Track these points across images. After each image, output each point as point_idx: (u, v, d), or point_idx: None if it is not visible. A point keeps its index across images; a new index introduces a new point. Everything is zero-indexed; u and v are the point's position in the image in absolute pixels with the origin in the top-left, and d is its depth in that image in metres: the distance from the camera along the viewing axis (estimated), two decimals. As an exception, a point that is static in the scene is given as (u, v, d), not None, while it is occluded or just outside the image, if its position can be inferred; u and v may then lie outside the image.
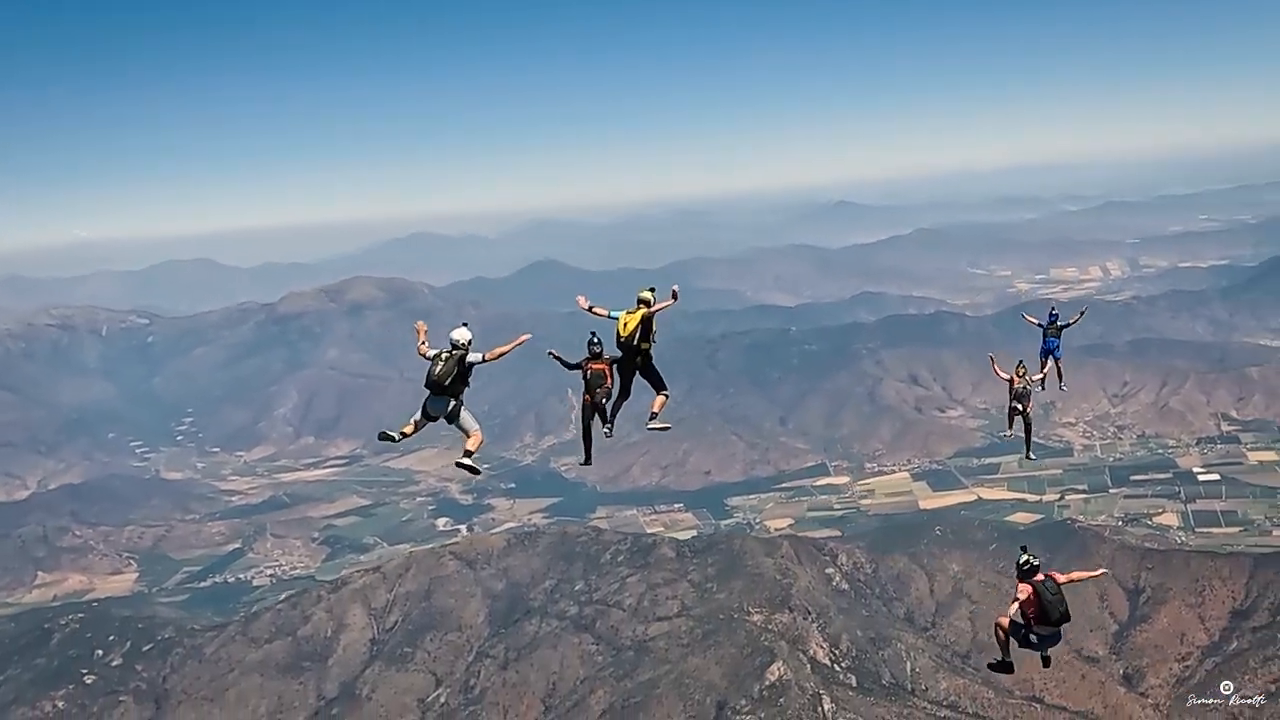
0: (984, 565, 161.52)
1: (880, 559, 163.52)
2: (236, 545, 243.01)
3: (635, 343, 24.61)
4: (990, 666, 24.54)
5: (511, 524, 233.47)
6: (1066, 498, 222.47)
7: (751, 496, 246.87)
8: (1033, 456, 43.58)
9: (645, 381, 25.82)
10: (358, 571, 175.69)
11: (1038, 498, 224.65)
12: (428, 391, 22.78)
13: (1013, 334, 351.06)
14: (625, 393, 25.98)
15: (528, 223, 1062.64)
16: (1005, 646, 23.38)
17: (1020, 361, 37.57)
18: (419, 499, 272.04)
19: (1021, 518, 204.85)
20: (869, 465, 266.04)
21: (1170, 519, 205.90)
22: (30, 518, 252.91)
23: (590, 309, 25.43)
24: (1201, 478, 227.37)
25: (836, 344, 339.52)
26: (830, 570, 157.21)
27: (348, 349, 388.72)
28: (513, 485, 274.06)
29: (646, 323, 24.58)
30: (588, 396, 25.77)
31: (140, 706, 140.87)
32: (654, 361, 25.46)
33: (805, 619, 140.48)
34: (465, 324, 23.43)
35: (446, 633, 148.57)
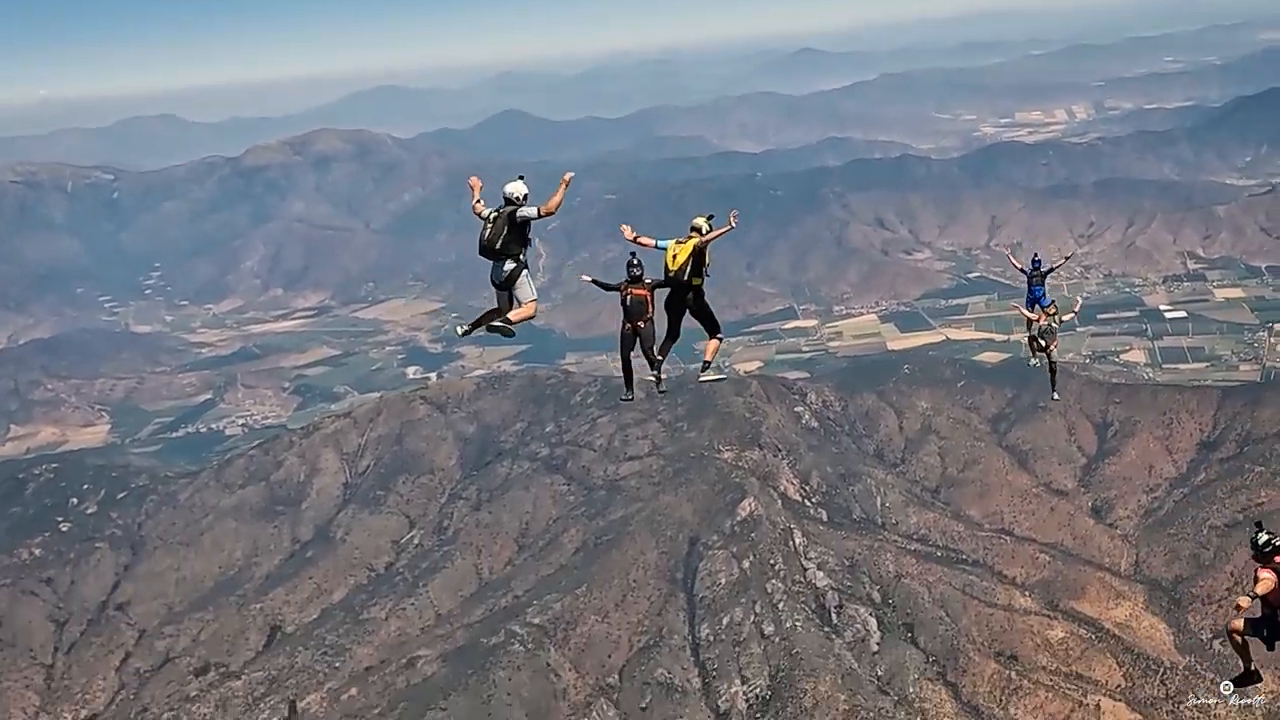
0: (952, 402, 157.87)
1: (849, 397, 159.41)
2: (207, 396, 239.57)
3: (686, 277, 21.22)
4: (1235, 682, 18.02)
5: (481, 371, 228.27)
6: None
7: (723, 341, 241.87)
8: (1056, 397, 38.53)
9: (696, 322, 22.27)
10: (329, 417, 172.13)
11: (1005, 337, 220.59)
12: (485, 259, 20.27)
13: (978, 177, 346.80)
14: (675, 333, 22.89)
15: (493, 75, 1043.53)
16: (1246, 652, 17.28)
17: (1052, 300, 34.19)
18: (388, 348, 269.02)
19: (989, 357, 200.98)
20: (837, 308, 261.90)
21: (1138, 356, 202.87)
22: (1, 372, 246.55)
23: (635, 239, 21.68)
24: (1168, 315, 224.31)
25: (803, 189, 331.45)
26: (800, 409, 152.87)
27: (314, 201, 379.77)
28: (482, 332, 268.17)
29: (699, 254, 21.07)
30: (627, 325, 22.55)
31: (116, 553, 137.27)
32: (706, 298, 22.01)
33: (775, 456, 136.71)
34: (521, 177, 20.63)
35: (419, 476, 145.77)
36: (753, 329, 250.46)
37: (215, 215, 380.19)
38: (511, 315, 20.71)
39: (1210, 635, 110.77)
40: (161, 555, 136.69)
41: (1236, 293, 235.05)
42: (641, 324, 22.07)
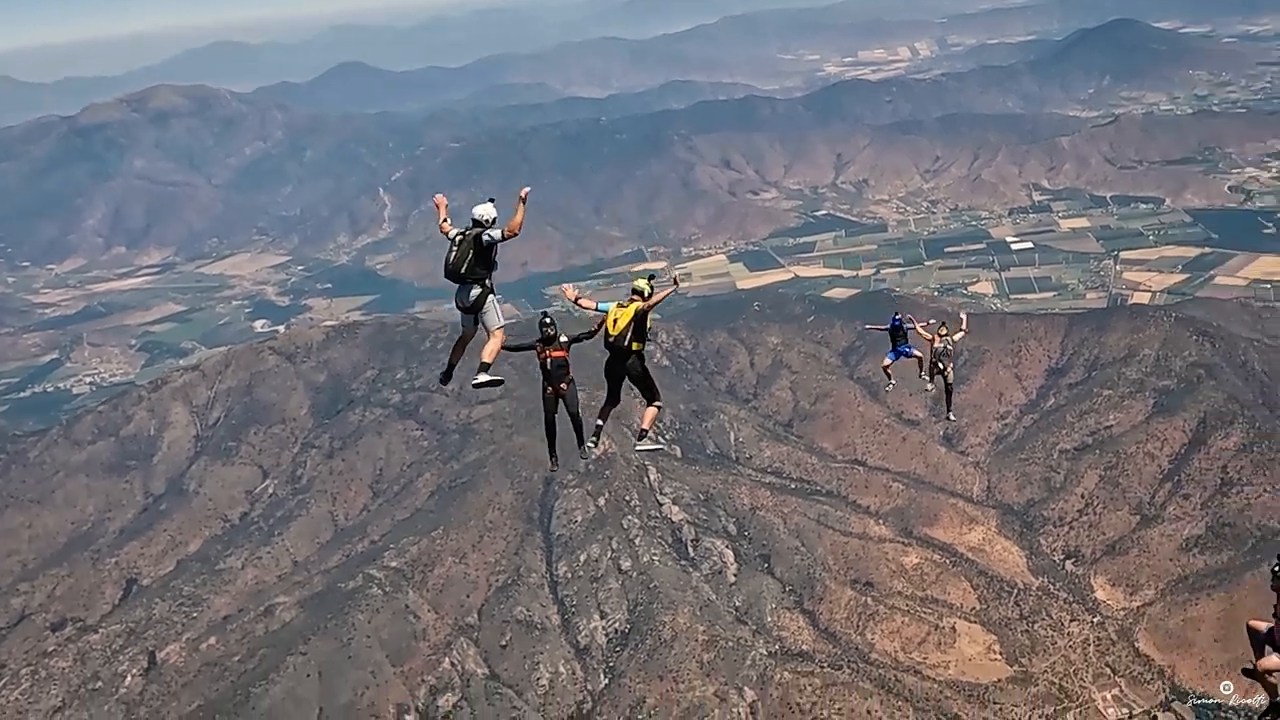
0: (803, 337, 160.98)
1: (700, 335, 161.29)
2: (53, 356, 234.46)
3: (627, 343, 20.41)
4: (1265, 714, 17.31)
5: (330, 322, 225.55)
6: (882, 272, 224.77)
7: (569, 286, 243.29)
8: (952, 417, 39.22)
9: (635, 388, 21.59)
10: (177, 371, 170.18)
11: (854, 273, 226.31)
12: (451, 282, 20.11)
13: (823, 116, 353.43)
14: (615, 399, 21.99)
15: (330, 28, 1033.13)
16: (1272, 685, 16.82)
17: (942, 322, 35.65)
18: (235, 303, 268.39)
19: (838, 293, 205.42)
20: (685, 249, 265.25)
21: (985, 287, 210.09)
22: None
23: (576, 300, 21.55)
24: (1015, 246, 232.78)
25: (648, 132, 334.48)
26: (650, 347, 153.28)
27: (154, 158, 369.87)
28: (329, 285, 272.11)
29: (640, 319, 20.40)
30: (549, 389, 21.62)
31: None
32: (647, 364, 21.20)
33: (626, 394, 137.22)
34: (491, 200, 20.16)
35: (270, 426, 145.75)
36: (601, 273, 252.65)
37: (54, 175, 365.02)
38: (484, 355, 20.40)
39: (1062, 556, 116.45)
40: (13, 513, 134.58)
41: (1082, 223, 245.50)
42: (564, 386, 21.52)
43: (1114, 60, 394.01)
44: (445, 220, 20.48)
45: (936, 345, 33.58)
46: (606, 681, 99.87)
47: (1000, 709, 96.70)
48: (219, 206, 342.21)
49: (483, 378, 20.55)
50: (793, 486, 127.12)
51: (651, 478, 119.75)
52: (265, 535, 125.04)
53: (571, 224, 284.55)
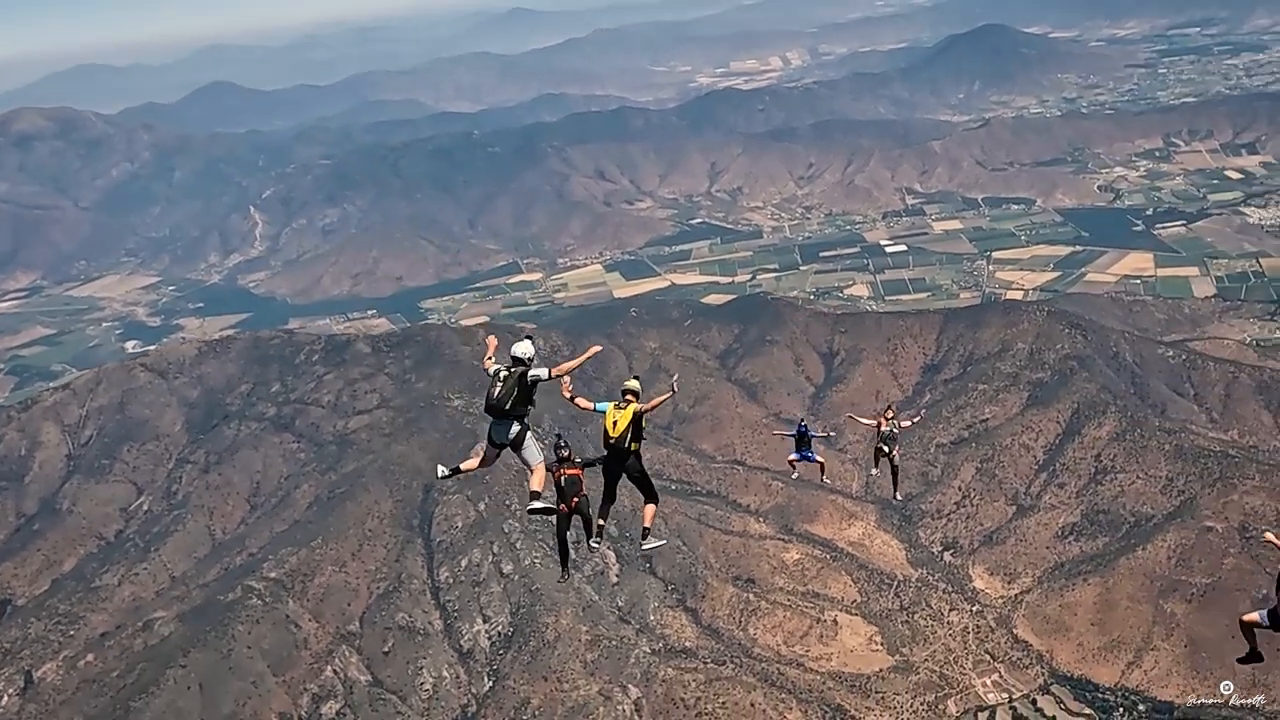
0: (681, 340, 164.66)
1: (578, 340, 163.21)
2: None
3: (627, 444, 21.94)
4: (1241, 660, 20.20)
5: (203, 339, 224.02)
6: (758, 277, 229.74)
7: (445, 298, 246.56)
8: (899, 498, 42.05)
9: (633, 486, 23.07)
10: (47, 391, 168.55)
11: (730, 279, 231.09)
12: (490, 416, 21.00)
13: (697, 125, 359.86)
14: (611, 497, 23.33)
15: (197, 49, 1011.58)
16: (1252, 635, 19.62)
17: (889, 405, 37.34)
18: (105, 324, 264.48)
19: (715, 299, 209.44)
20: (561, 260, 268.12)
21: (861, 290, 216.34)
22: None
23: (572, 399, 22.62)
24: (889, 249, 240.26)
25: (521, 145, 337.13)
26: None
27: (18, 181, 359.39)
28: (201, 305, 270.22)
29: (637, 420, 21.93)
30: (563, 505, 22.87)
31: None
32: (643, 463, 22.70)
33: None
34: (529, 337, 21.39)
35: (144, 443, 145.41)
36: (477, 285, 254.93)
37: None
38: (534, 485, 21.57)
39: (941, 548, 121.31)
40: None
41: (955, 224, 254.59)
42: (577, 500, 23.01)
43: (984, 65, 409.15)
44: (490, 358, 21.21)
45: (884, 429, 35.84)
46: (490, 684, 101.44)
47: (882, 698, 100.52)
48: (86, 228, 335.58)
49: (538, 505, 21.78)
50: (673, 487, 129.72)
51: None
52: (142, 552, 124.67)
53: (446, 237, 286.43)
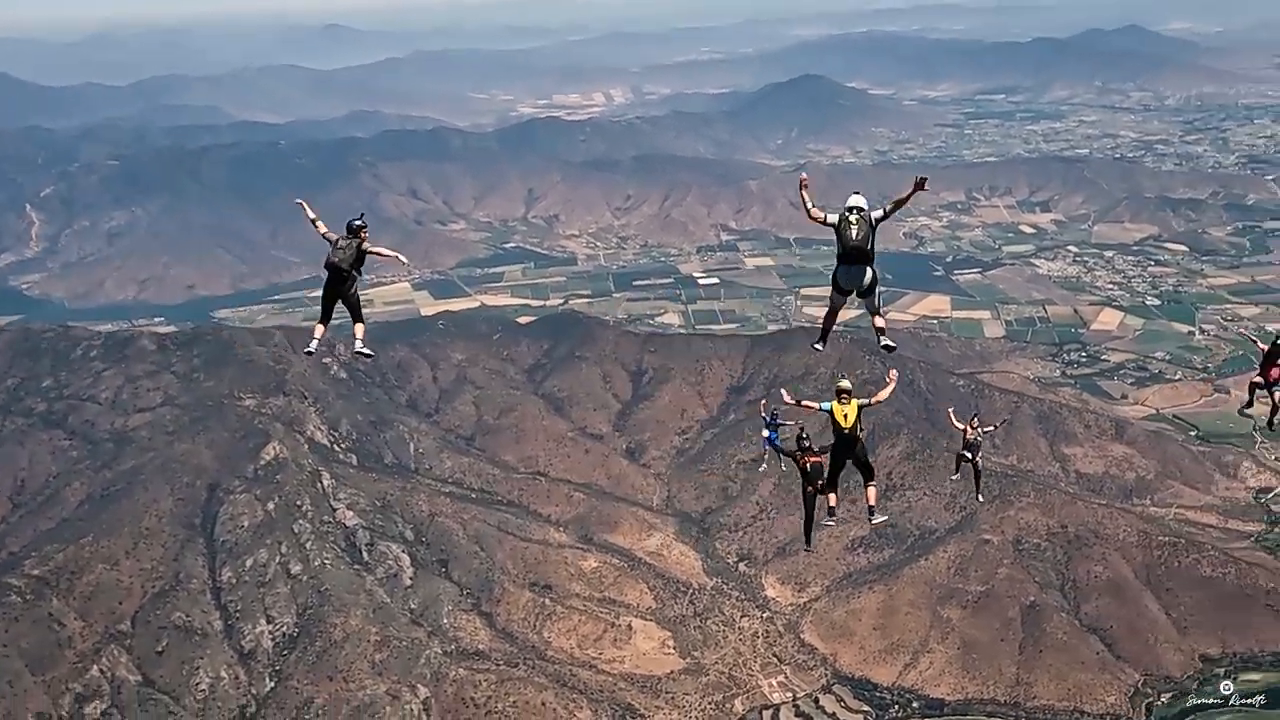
0: (489, 354, 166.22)
1: (381, 348, 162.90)
2: None
3: (858, 432, 24.84)
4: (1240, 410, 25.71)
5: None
6: (570, 302, 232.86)
7: (241, 309, 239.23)
8: (981, 499, 45.56)
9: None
10: None
11: (542, 303, 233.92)
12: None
13: (516, 151, 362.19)
14: (834, 484, 27.70)
15: None
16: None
17: (975, 414, 41.12)
18: None
19: (527, 320, 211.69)
20: (368, 276, 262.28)
21: (672, 319, 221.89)
22: None
23: (799, 402, 25.78)
24: (702, 281, 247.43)
25: (331, 159, 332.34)
26: (328, 360, 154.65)
27: None
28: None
29: (860, 412, 24.87)
30: (810, 488, 28.09)
31: None
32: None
33: (302, 403, 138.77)
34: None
35: None
36: (276, 298, 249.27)
37: None
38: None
39: (736, 559, 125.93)
40: None
41: (767, 261, 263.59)
42: (821, 482, 27.64)
43: (803, 114, 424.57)
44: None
45: (969, 436, 39.30)
46: (272, 685, 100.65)
47: (672, 698, 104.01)
48: None
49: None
50: (473, 496, 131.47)
51: (325, 483, 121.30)
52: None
53: (245, 247, 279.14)
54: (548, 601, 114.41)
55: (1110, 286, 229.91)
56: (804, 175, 22.03)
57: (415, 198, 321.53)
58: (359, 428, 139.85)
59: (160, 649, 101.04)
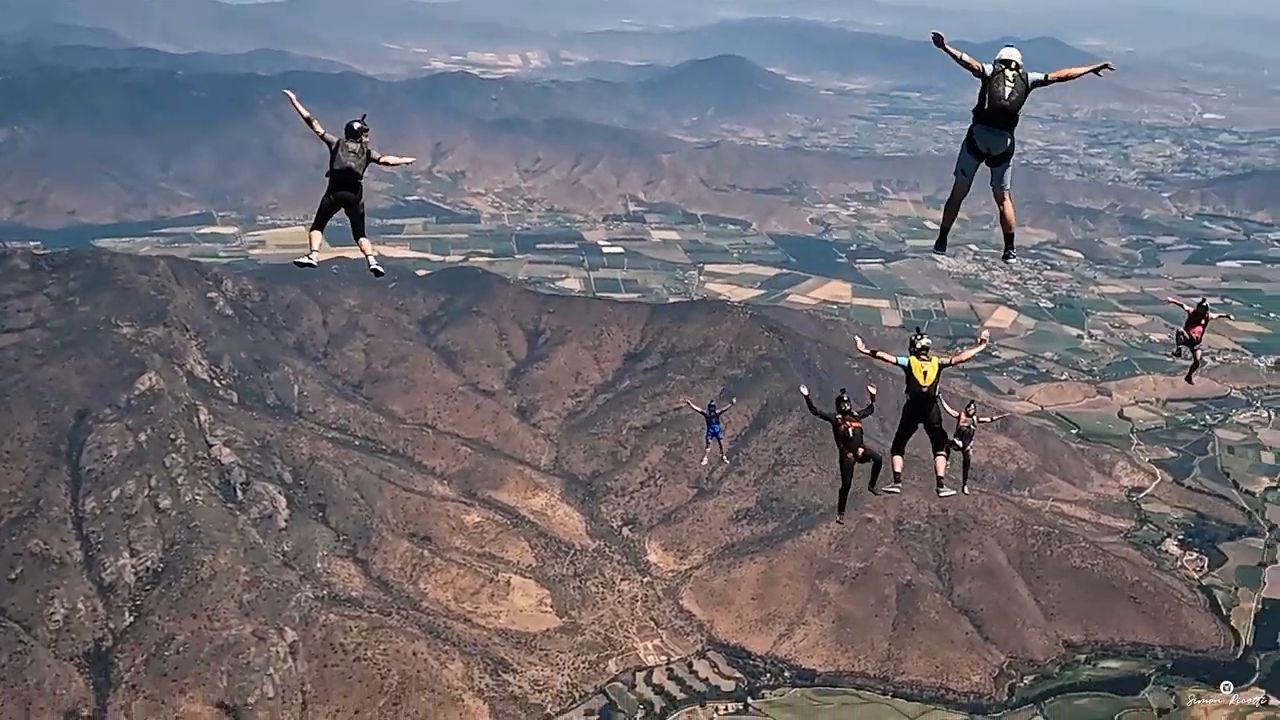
0: (382, 301, 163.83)
1: (271, 288, 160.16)
2: None
3: (935, 393, 22.83)
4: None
5: None
6: (471, 260, 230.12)
7: (124, 240, 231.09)
8: (966, 491, 44.14)
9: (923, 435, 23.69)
10: None
11: (441, 258, 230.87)
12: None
13: (425, 103, 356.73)
14: (901, 449, 24.24)
15: None
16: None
17: (971, 402, 38.95)
18: None
19: (424, 273, 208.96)
20: (262, 218, 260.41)
21: (573, 284, 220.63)
22: None
23: (873, 354, 24.28)
24: (606, 250, 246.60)
25: (232, 94, 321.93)
26: (214, 295, 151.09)
27: None
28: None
29: (939, 371, 22.69)
30: (850, 455, 24.58)
31: None
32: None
33: (183, 335, 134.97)
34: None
35: None
36: (163, 230, 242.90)
37: None
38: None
39: (621, 523, 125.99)
40: None
41: (673, 235, 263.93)
42: (862, 449, 24.41)
43: (720, 94, 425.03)
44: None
45: (963, 424, 37.72)
46: (132, 620, 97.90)
47: (546, 655, 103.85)
48: None
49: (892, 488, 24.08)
50: (357, 443, 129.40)
51: (202, 418, 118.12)
52: None
53: (132, 177, 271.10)
54: (426, 553, 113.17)
55: (1006, 286, 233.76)
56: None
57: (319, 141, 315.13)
58: (242, 366, 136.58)
59: (14, 576, 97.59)
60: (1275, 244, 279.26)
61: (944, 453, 24.45)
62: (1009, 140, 17.52)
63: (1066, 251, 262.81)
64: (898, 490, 25.90)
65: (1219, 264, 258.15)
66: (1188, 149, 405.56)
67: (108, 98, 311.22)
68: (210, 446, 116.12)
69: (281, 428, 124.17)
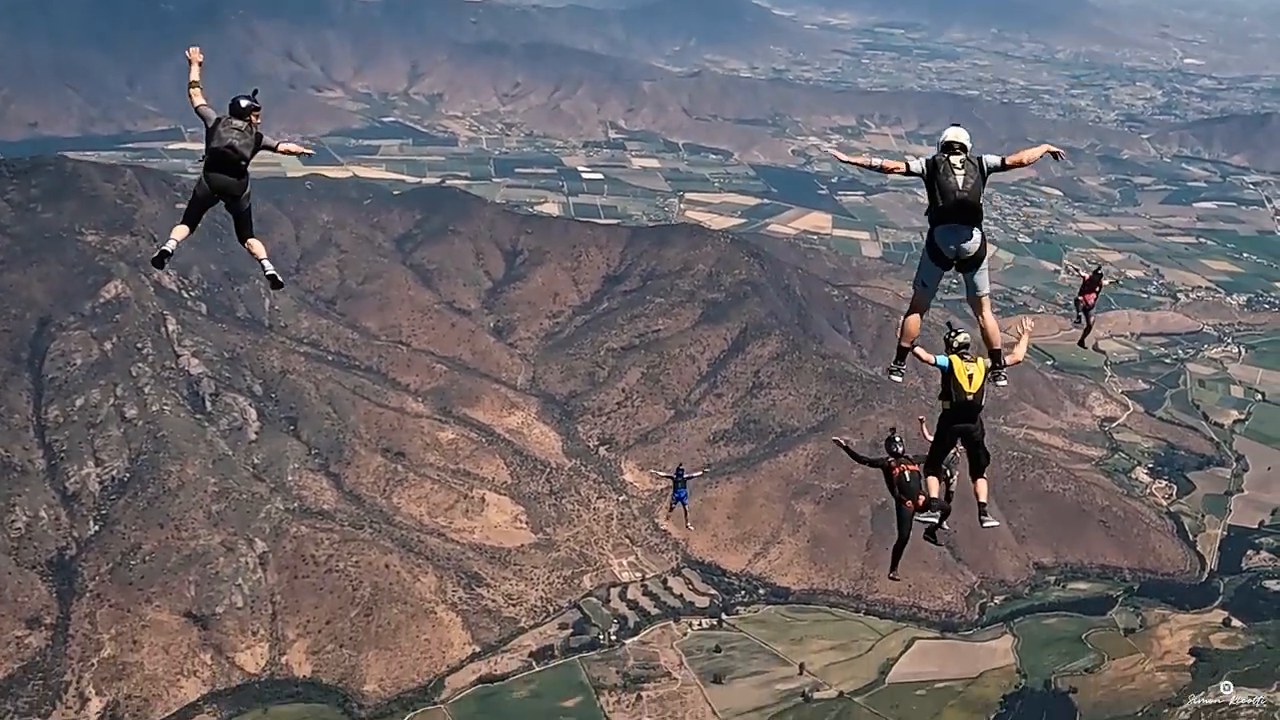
0: (357, 218, 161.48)
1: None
2: None
3: (982, 401, 17.77)
4: None
5: None
6: (448, 182, 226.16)
7: (89, 153, 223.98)
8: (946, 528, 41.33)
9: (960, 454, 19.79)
10: None
11: (418, 180, 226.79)
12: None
13: (402, 24, 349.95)
14: (938, 467, 20.22)
15: None
16: None
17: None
18: None
19: (400, 193, 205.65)
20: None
21: (552, 209, 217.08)
22: None
23: (911, 348, 16.94)
24: (586, 176, 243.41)
25: (201, 6, 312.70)
26: (182, 206, 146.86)
27: None
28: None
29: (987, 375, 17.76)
30: (909, 504, 20.66)
31: None
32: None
33: (151, 244, 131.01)
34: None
35: None
36: (129, 145, 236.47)
37: None
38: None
39: (597, 443, 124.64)
40: None
41: (653, 163, 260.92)
42: (922, 497, 20.65)
43: (703, 24, 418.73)
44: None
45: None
46: (96, 529, 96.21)
47: (520, 570, 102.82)
48: None
49: (929, 518, 20.48)
50: (329, 358, 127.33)
51: (170, 329, 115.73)
52: None
53: (98, 90, 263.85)
54: (400, 468, 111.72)
55: (986, 221, 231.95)
56: None
57: (290, 59, 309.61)
58: (211, 277, 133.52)
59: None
60: (1250, 187, 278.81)
61: (984, 477, 19.41)
62: (978, 238, 14.95)
63: (1046, 189, 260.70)
64: (934, 520, 21.28)
65: (1195, 205, 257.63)
66: (1167, 92, 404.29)
67: (71, 8, 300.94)
68: (178, 357, 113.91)
69: (252, 340, 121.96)
